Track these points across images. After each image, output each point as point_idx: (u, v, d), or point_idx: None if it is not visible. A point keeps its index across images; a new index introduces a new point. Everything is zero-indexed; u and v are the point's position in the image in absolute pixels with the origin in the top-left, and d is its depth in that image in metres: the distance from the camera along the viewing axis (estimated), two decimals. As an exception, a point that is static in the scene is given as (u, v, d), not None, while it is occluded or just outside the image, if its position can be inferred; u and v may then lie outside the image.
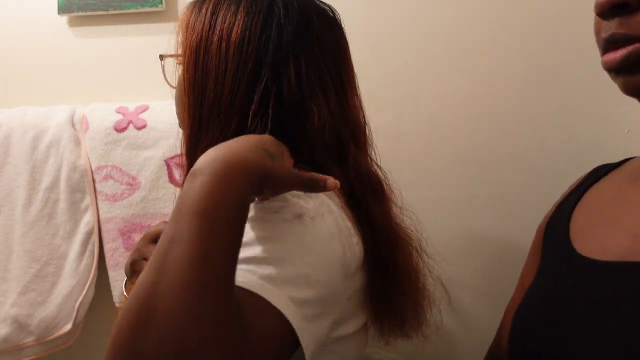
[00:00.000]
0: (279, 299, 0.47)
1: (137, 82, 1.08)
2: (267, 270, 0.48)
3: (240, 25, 0.62)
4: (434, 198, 1.02)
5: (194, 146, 0.63)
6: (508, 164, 1.01)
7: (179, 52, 0.67)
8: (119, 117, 1.02)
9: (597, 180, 0.58)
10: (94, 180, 1.01)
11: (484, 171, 1.02)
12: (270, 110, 0.60)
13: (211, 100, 0.61)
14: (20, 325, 0.98)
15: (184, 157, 0.65)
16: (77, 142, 1.03)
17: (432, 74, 1.03)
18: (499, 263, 1.01)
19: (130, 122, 1.01)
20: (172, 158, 1.00)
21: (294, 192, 0.55)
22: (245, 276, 0.47)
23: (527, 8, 0.99)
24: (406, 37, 1.03)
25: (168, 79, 0.72)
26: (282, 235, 0.51)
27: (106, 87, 1.10)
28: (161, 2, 1.06)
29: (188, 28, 0.64)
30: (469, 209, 1.02)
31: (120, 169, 1.01)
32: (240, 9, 0.63)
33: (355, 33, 1.06)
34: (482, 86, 1.01)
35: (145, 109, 1.03)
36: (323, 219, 0.54)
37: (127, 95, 1.08)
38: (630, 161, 0.56)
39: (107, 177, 1.01)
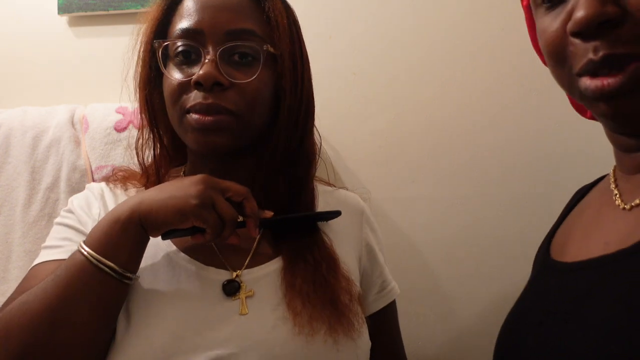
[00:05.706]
0: None
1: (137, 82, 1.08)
2: None
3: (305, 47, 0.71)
4: (434, 197, 1.02)
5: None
6: (507, 164, 1.01)
7: (280, 45, 0.65)
8: (119, 117, 1.02)
9: (577, 201, 0.61)
10: (94, 180, 1.01)
11: (483, 171, 1.02)
12: None
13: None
14: (20, 325, 0.98)
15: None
16: (77, 142, 1.03)
17: (433, 76, 1.03)
18: (498, 264, 1.01)
19: (130, 122, 1.01)
20: (172, 158, 1.00)
21: None
22: None
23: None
24: (408, 40, 1.04)
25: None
26: None
27: (106, 87, 1.10)
28: (161, 2, 1.06)
29: (290, 31, 0.68)
30: (469, 209, 1.02)
31: (120, 169, 1.01)
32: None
33: (358, 34, 1.06)
34: (482, 88, 1.02)
35: (145, 109, 1.03)
36: None
37: (127, 95, 1.08)
38: (604, 179, 0.58)
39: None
